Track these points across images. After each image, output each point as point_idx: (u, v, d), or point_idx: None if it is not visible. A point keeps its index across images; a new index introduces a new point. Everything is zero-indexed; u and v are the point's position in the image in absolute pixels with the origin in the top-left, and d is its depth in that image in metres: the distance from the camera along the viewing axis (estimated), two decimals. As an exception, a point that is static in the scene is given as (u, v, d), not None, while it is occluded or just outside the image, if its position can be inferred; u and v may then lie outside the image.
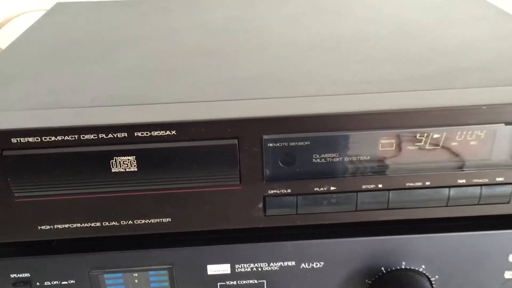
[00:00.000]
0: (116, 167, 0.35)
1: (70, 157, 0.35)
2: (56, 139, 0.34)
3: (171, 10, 0.60)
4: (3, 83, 0.41)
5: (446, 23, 0.52)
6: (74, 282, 0.41)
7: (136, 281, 0.42)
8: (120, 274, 0.41)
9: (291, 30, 0.52)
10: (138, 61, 0.45)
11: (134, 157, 0.35)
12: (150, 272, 0.41)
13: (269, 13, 0.58)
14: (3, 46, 0.74)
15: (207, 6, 0.61)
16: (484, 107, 0.35)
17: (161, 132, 0.35)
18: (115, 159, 0.35)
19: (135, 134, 0.35)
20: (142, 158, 0.35)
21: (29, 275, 0.40)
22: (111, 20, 0.57)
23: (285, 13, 0.57)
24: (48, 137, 0.34)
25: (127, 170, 0.35)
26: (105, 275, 0.41)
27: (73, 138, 0.34)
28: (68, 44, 0.50)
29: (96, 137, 0.34)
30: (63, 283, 0.41)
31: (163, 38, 0.51)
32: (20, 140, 0.34)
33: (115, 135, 0.34)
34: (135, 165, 0.35)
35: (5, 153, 0.34)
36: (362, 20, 0.54)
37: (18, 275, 0.40)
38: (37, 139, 0.34)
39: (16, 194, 0.36)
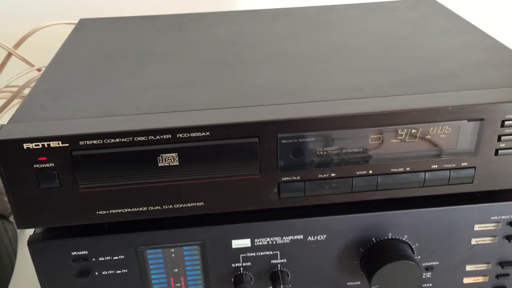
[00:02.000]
0: (162, 162, 0.44)
1: (125, 155, 0.43)
2: (115, 141, 0.42)
3: (184, 25, 0.68)
4: (58, 96, 0.49)
5: (421, 35, 0.61)
6: (123, 257, 0.49)
7: (172, 255, 0.50)
8: (160, 250, 0.49)
9: (291, 44, 0.60)
10: (166, 73, 0.53)
11: (176, 153, 0.43)
12: (184, 248, 0.49)
13: (269, 28, 0.67)
14: (28, 57, 0.82)
15: (215, 21, 0.70)
16: (450, 108, 0.44)
17: (198, 133, 0.43)
18: (161, 155, 0.43)
19: (177, 135, 0.43)
20: (183, 154, 0.43)
21: (87, 253, 0.48)
22: (132, 36, 0.65)
23: (283, 28, 0.66)
24: (108, 140, 0.42)
25: (170, 164, 0.44)
26: (148, 251, 0.50)
27: (128, 140, 0.43)
28: (102, 59, 0.58)
29: (146, 139, 0.43)
30: (114, 258, 0.49)
31: (183, 52, 0.59)
32: (86, 142, 0.42)
33: (161, 137, 0.43)
34: (177, 160, 0.44)
35: (74, 153, 0.42)
36: (350, 34, 0.63)
37: (78, 252, 0.48)
38: (100, 141, 0.42)
39: (80, 186, 0.44)
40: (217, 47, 0.60)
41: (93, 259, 0.49)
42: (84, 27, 0.69)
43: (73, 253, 0.48)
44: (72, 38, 0.65)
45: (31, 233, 0.49)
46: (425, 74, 0.51)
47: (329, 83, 0.50)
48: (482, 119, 0.45)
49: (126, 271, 0.50)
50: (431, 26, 0.64)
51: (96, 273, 0.50)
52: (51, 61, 0.58)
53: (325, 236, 0.50)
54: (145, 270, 0.50)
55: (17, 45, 0.81)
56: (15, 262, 0.69)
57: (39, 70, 0.80)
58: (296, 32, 0.64)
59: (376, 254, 0.50)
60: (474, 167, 0.47)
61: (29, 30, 0.80)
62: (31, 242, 0.48)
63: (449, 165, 0.47)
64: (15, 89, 0.81)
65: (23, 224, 0.46)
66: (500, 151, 0.46)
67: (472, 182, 0.48)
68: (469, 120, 0.45)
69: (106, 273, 0.50)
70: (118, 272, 0.50)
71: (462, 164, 0.47)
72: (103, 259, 0.49)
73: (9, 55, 0.82)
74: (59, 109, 0.47)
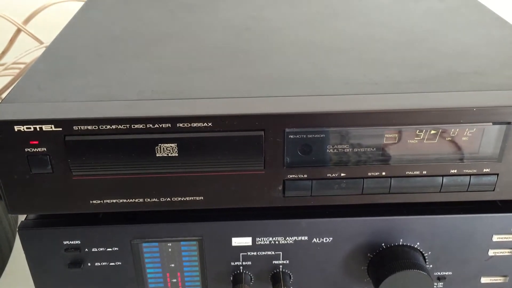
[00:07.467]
0: (160, 152, 0.41)
1: (121, 143, 0.41)
2: (111, 128, 0.40)
3: (197, 7, 0.65)
4: (57, 76, 0.46)
5: (447, 28, 0.57)
6: (117, 249, 0.47)
7: (169, 250, 0.48)
8: (156, 244, 0.47)
9: (306, 32, 0.57)
10: (173, 57, 0.51)
11: (176, 144, 0.41)
12: (182, 243, 0.47)
13: (285, 14, 0.63)
14: (37, 34, 0.79)
15: (229, 4, 0.66)
16: (474, 109, 0.41)
17: (199, 123, 0.40)
18: (160, 145, 0.41)
19: (177, 125, 0.40)
20: (183, 145, 0.41)
21: (79, 242, 0.46)
22: (142, 16, 0.62)
23: (300, 14, 0.63)
24: (104, 126, 0.40)
25: (169, 155, 0.41)
26: (144, 244, 0.47)
27: (125, 127, 0.40)
28: (108, 39, 0.55)
29: (144, 127, 0.40)
30: (108, 250, 0.47)
31: (193, 35, 0.56)
32: (80, 127, 0.40)
33: (161, 125, 0.40)
34: (176, 151, 0.41)
35: (68, 138, 0.40)
36: (371, 24, 0.59)
37: (70, 242, 0.46)
38: (95, 127, 0.40)
39: (74, 173, 0.42)
40: (229, 32, 0.57)
41: (86, 250, 0.47)
42: (93, 5, 0.66)
43: (65, 242, 0.46)
44: (79, 16, 0.62)
45: (23, 219, 0.47)
46: (448, 70, 0.47)
47: (344, 76, 0.46)
48: (508, 123, 0.42)
49: (120, 263, 0.48)
50: (457, 19, 0.60)
51: (89, 264, 0.47)
52: (54, 39, 0.55)
53: (331, 238, 0.47)
54: (140, 264, 0.48)
55: (26, 21, 0.79)
56: (13, 244, 0.68)
57: (47, 47, 0.78)
58: (313, 19, 0.61)
59: (385, 260, 0.47)
60: (497, 174, 0.44)
61: (39, 6, 0.78)
62: (22, 229, 0.46)
63: (470, 171, 0.44)
64: (23, 66, 0.79)
65: (13, 209, 0.44)
66: (526, 158, 0.43)
67: (493, 190, 0.45)
68: (494, 123, 0.42)
69: (99, 264, 0.48)
70: (111, 264, 0.48)
71: (484, 170, 0.44)
72: (96, 250, 0.47)
73: (18, 31, 0.80)
74: (56, 90, 0.44)
